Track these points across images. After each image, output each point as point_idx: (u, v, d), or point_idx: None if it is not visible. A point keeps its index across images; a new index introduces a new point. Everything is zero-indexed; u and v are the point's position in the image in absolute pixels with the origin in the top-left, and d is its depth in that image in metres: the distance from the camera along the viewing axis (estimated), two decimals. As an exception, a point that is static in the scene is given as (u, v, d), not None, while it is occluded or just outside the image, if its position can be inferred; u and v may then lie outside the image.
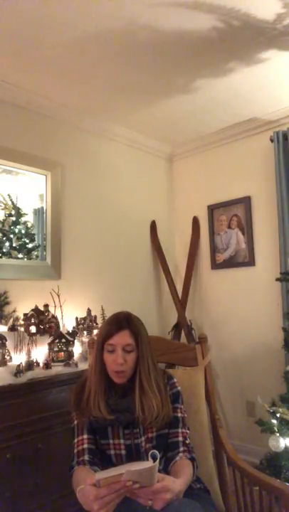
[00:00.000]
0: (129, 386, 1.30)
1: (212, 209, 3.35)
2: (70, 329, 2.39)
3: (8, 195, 2.46)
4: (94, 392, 1.28)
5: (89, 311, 2.52)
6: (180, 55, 2.21)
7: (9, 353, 2.00)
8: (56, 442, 1.87)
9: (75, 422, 1.31)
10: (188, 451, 1.28)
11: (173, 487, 1.01)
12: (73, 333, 2.30)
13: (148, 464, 0.97)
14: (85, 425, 1.29)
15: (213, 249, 3.32)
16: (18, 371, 1.87)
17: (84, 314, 2.52)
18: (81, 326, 2.45)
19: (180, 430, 1.31)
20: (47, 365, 2.03)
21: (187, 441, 1.30)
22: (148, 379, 1.29)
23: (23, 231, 2.49)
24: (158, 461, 0.97)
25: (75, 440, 1.29)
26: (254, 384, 2.94)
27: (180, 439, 1.29)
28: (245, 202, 3.12)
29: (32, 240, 2.54)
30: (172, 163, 3.71)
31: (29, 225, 2.54)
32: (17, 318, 2.26)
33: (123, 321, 1.30)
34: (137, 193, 3.33)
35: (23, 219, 2.51)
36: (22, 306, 2.33)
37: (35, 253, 2.56)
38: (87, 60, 2.23)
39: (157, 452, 1.00)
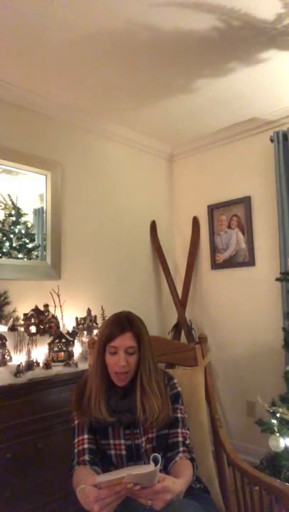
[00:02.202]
0: (130, 387, 1.30)
1: (212, 209, 3.35)
2: (70, 329, 2.39)
3: (8, 195, 2.46)
4: (95, 393, 1.28)
5: (89, 311, 2.52)
6: (180, 55, 2.21)
7: (9, 353, 2.00)
8: (56, 442, 1.87)
9: (76, 421, 1.31)
10: (188, 452, 1.28)
11: (173, 487, 1.01)
12: (73, 333, 2.30)
13: (149, 467, 0.97)
14: (86, 425, 1.29)
15: (213, 249, 3.32)
16: (18, 371, 1.87)
17: (84, 314, 2.52)
18: (81, 326, 2.45)
19: (180, 431, 1.31)
20: (47, 365, 2.03)
21: (187, 442, 1.30)
22: (149, 380, 1.28)
23: (23, 231, 2.49)
24: (159, 464, 0.97)
25: (76, 440, 1.29)
26: (254, 384, 2.94)
27: (180, 439, 1.29)
28: (245, 202, 3.12)
29: (32, 240, 2.54)
30: (172, 163, 3.71)
31: (29, 225, 2.54)
32: (17, 318, 2.26)
33: (125, 323, 1.29)
34: (137, 193, 3.33)
35: (23, 219, 2.51)
36: (22, 306, 2.33)
37: (35, 253, 2.56)
38: (87, 60, 2.23)
39: (159, 456, 1.00)
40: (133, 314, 1.36)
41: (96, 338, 1.43)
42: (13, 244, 2.43)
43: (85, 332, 2.40)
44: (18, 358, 2.00)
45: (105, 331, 1.31)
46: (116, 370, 1.27)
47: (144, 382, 1.27)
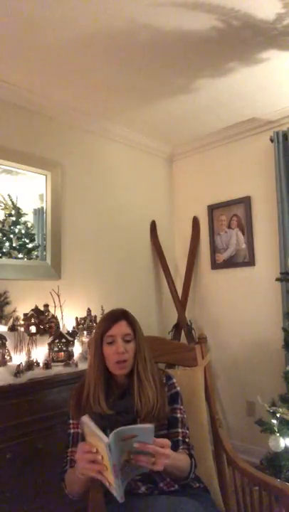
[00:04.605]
0: (127, 385, 1.31)
1: (212, 209, 3.35)
2: (70, 329, 2.40)
3: (8, 195, 2.46)
4: (94, 386, 1.28)
5: (89, 311, 2.52)
6: (180, 55, 2.21)
7: (9, 353, 2.00)
8: (56, 442, 1.86)
9: (71, 431, 1.31)
10: (188, 449, 1.28)
11: (169, 445, 1.05)
12: (73, 333, 2.30)
13: (145, 424, 1.01)
14: (80, 437, 1.29)
15: (213, 249, 3.32)
16: (18, 371, 1.87)
17: (84, 314, 2.52)
18: (81, 326, 2.45)
19: (180, 430, 1.31)
20: (47, 365, 2.03)
21: (187, 440, 1.31)
22: (145, 370, 1.31)
23: (23, 231, 2.49)
24: (153, 426, 1.01)
25: (69, 449, 1.29)
26: (254, 384, 2.94)
27: (180, 438, 1.30)
28: (245, 202, 3.11)
29: (32, 240, 2.54)
30: (172, 163, 3.71)
31: (29, 225, 2.54)
32: (17, 318, 2.26)
33: (119, 314, 1.35)
34: (137, 193, 3.33)
35: (23, 219, 2.51)
36: (22, 306, 2.33)
37: (35, 253, 2.56)
38: (87, 60, 2.23)
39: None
40: (125, 309, 1.39)
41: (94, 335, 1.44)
42: (13, 244, 2.43)
43: (85, 332, 2.40)
44: (18, 358, 2.00)
45: (101, 324, 1.35)
46: (115, 359, 1.28)
47: (141, 373, 1.30)
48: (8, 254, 2.40)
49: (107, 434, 1.27)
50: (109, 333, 1.30)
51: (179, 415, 1.33)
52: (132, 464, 1.00)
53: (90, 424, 1.00)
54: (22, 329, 2.18)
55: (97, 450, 0.99)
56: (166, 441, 1.05)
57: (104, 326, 1.32)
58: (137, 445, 0.98)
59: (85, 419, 1.01)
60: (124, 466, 0.99)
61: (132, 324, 1.33)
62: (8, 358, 1.97)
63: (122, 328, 1.31)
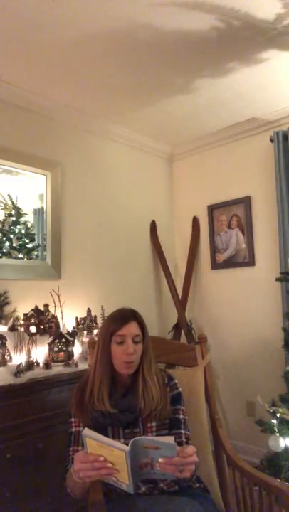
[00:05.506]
0: (130, 384, 1.31)
1: (212, 209, 3.35)
2: (70, 329, 2.40)
3: (8, 195, 2.46)
4: (98, 385, 1.28)
5: (89, 311, 2.52)
6: (180, 55, 2.21)
7: (9, 353, 2.00)
8: (56, 442, 1.87)
9: (73, 429, 1.31)
10: None
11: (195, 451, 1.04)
12: (73, 333, 2.30)
13: (168, 439, 0.97)
14: (81, 435, 1.29)
15: (213, 249, 3.32)
16: (18, 371, 1.87)
17: (84, 314, 2.52)
18: (81, 326, 2.45)
19: (182, 431, 1.31)
20: (47, 365, 2.03)
21: (190, 442, 1.31)
22: (150, 370, 1.32)
23: (23, 231, 2.49)
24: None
25: (71, 448, 1.29)
26: (254, 384, 2.94)
27: (183, 439, 1.30)
28: (245, 202, 3.11)
29: (32, 240, 2.54)
30: (172, 163, 3.71)
31: (29, 225, 2.54)
32: (17, 318, 2.26)
33: (130, 314, 1.34)
34: (137, 193, 3.33)
35: (23, 219, 2.51)
36: (22, 306, 2.33)
37: (35, 253, 2.56)
38: (87, 60, 2.23)
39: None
40: (134, 309, 1.39)
41: (98, 335, 1.43)
42: (13, 244, 2.43)
43: (85, 332, 2.40)
44: (18, 358, 2.01)
45: (111, 323, 1.34)
46: (124, 360, 1.28)
47: (146, 374, 1.30)
48: (8, 254, 2.40)
49: (108, 432, 1.27)
50: (120, 332, 1.29)
51: (181, 416, 1.34)
52: (157, 470, 0.99)
53: (96, 436, 0.99)
54: (22, 329, 2.18)
55: (104, 458, 0.97)
56: (194, 449, 1.04)
57: (114, 325, 1.32)
58: (163, 460, 0.97)
59: (88, 432, 1.00)
60: (144, 466, 0.99)
61: (142, 326, 1.34)
62: (8, 358, 1.98)
63: (132, 329, 1.31)
